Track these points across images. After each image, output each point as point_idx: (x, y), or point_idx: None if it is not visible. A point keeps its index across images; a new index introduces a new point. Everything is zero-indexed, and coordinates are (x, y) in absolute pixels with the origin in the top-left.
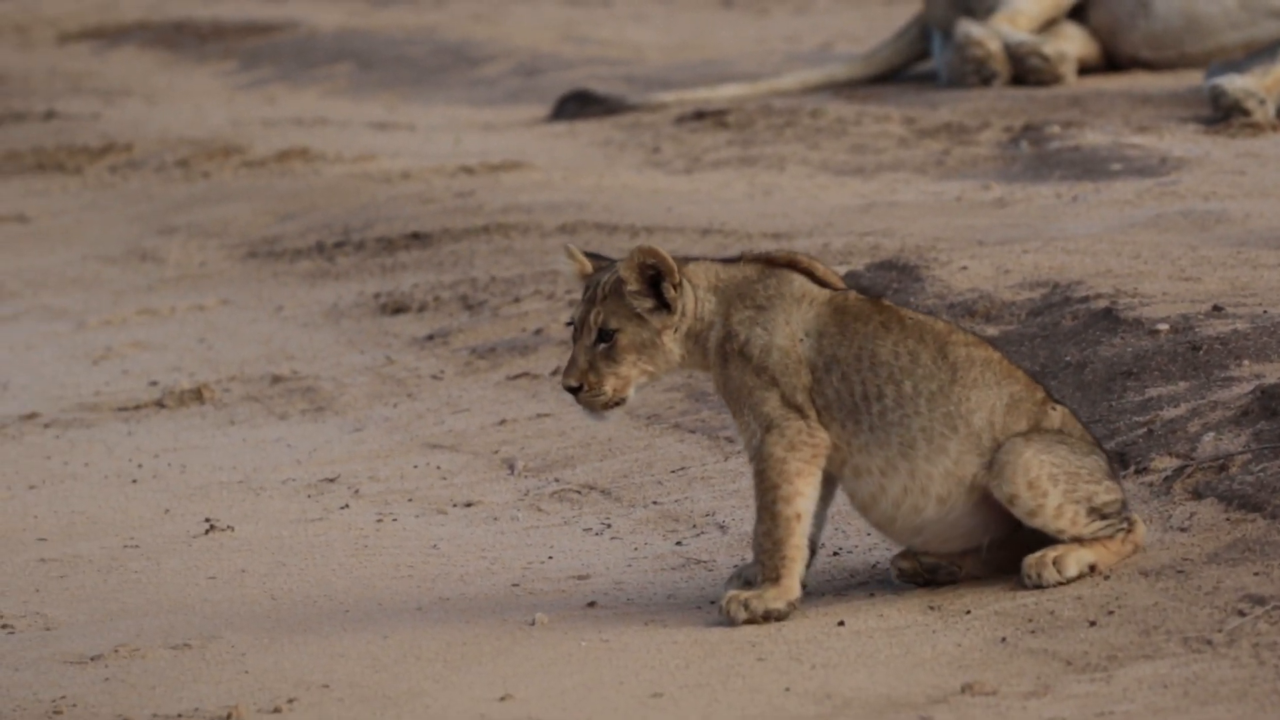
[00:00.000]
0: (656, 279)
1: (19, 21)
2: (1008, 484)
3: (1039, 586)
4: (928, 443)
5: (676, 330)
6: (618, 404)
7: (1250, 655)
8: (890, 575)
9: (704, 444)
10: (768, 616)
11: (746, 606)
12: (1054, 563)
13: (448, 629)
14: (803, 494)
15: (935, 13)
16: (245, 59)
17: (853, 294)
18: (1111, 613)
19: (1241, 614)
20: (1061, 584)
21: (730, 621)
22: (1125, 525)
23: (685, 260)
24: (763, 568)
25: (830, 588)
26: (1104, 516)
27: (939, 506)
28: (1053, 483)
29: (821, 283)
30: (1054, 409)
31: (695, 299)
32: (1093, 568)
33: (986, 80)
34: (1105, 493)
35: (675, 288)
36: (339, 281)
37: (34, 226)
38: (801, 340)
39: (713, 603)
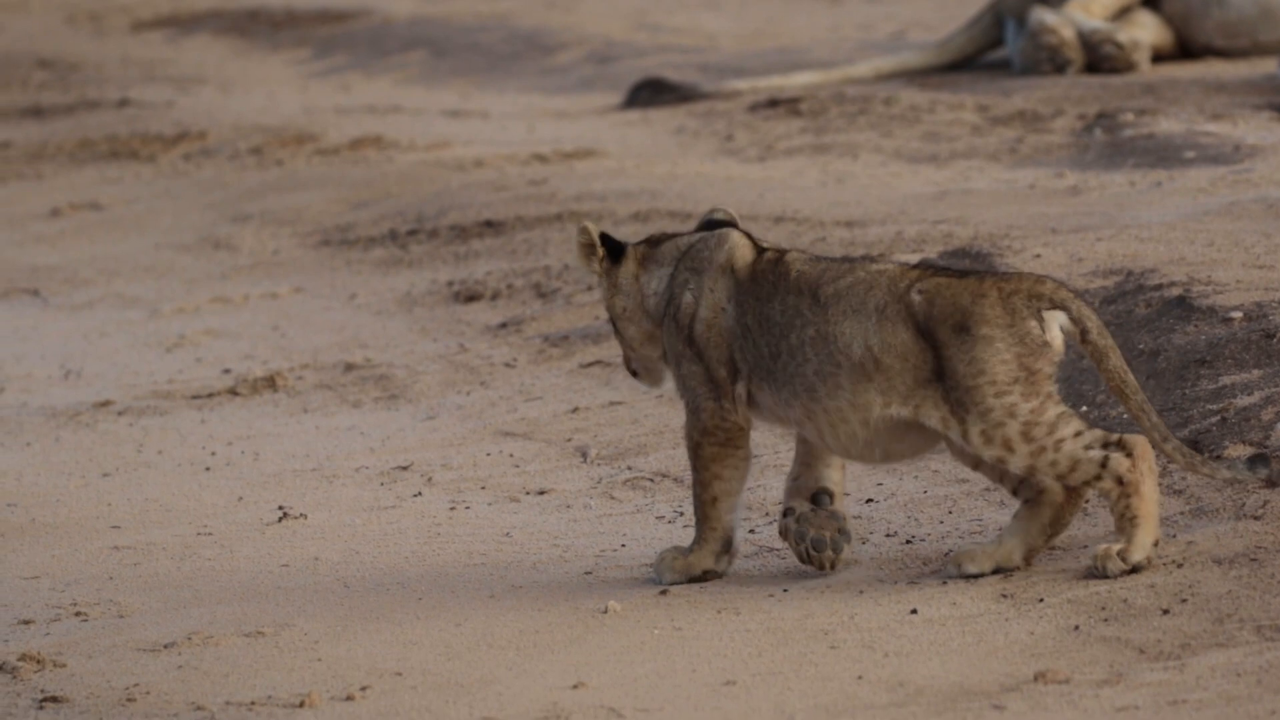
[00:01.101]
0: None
1: (93, 10)
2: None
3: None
4: (823, 383)
5: (617, 304)
6: (636, 375)
7: None
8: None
9: (775, 432)
10: (679, 580)
11: (665, 563)
12: (1119, 555)
13: (520, 617)
14: (720, 478)
15: (1009, 0)
16: (319, 47)
17: (769, 254)
18: (1185, 601)
19: None
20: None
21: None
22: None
23: (661, 238)
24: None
25: (903, 576)
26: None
27: (869, 429)
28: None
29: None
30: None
31: (641, 273)
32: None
33: (1060, 68)
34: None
35: (599, 262)
36: (412, 269)
37: (108, 214)
38: (723, 310)
39: (785, 590)
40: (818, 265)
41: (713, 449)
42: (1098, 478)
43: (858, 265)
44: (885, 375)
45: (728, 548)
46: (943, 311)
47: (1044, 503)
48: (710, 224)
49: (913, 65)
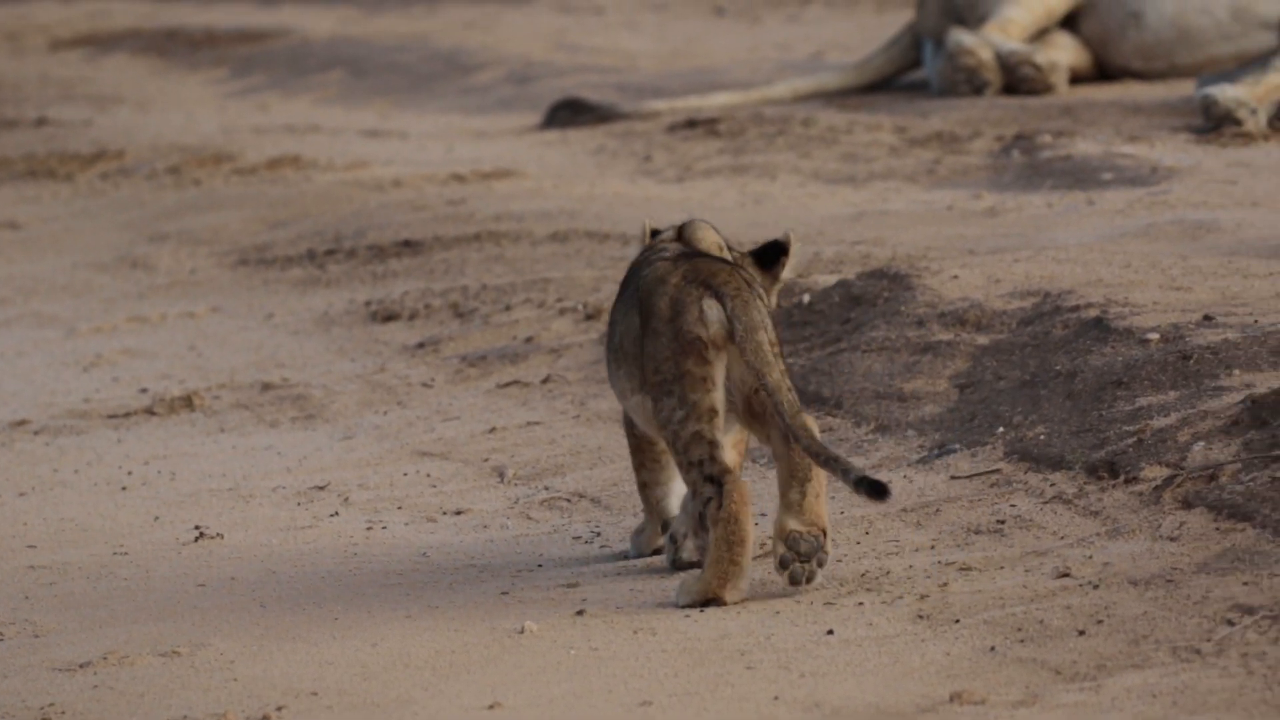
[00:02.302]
0: None
1: (11, 28)
2: None
3: None
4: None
5: None
6: None
7: (1239, 665)
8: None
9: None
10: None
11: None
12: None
13: (437, 637)
14: (642, 467)
15: (927, 22)
16: (237, 66)
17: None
18: (1100, 622)
19: (1230, 623)
20: None
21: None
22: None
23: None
24: None
25: (820, 597)
26: None
27: (641, 415)
28: None
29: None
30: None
31: None
32: None
33: (978, 89)
34: None
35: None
36: (330, 289)
37: (25, 233)
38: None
39: (702, 611)
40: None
41: (632, 440)
42: (705, 502)
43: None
44: (631, 362)
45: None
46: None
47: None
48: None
49: (831, 86)
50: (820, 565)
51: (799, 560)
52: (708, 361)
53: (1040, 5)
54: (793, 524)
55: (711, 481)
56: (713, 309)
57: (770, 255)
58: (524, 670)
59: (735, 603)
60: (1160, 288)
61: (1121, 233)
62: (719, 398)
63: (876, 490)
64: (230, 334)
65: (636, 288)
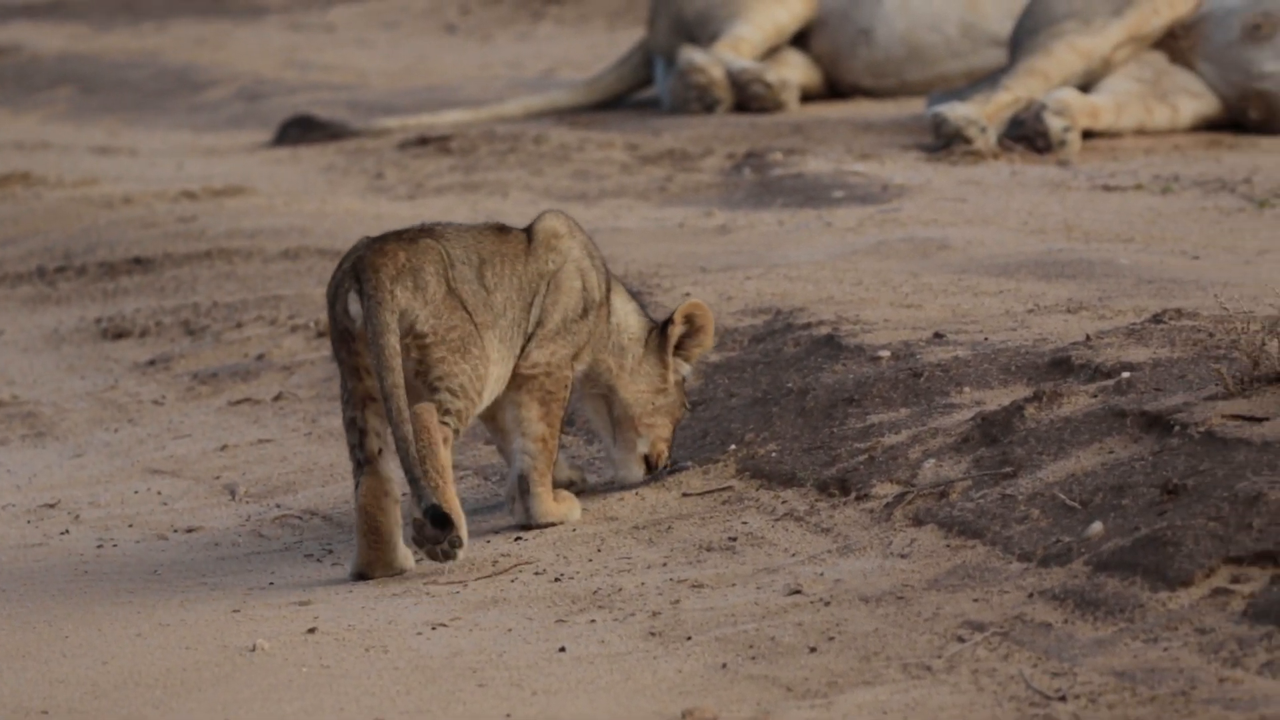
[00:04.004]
0: None
1: None
2: None
3: None
4: None
5: None
6: None
7: (969, 681)
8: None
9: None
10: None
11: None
12: None
13: (168, 655)
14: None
15: (658, 39)
16: None
17: None
18: (832, 639)
19: (961, 640)
20: None
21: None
22: None
23: None
24: None
25: (552, 614)
26: None
27: None
28: None
29: None
30: None
31: None
32: None
33: (709, 107)
34: None
35: None
36: (60, 306)
37: None
38: None
39: (434, 628)
40: None
41: None
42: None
43: None
44: None
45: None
46: None
47: None
48: None
49: (562, 104)
50: (454, 547)
51: (431, 543)
52: (357, 353)
53: (771, 23)
54: (416, 513)
55: (359, 467)
56: (354, 304)
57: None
58: (256, 688)
59: (380, 577)
60: (891, 305)
61: (853, 250)
62: (374, 386)
63: (439, 522)
64: None
65: None
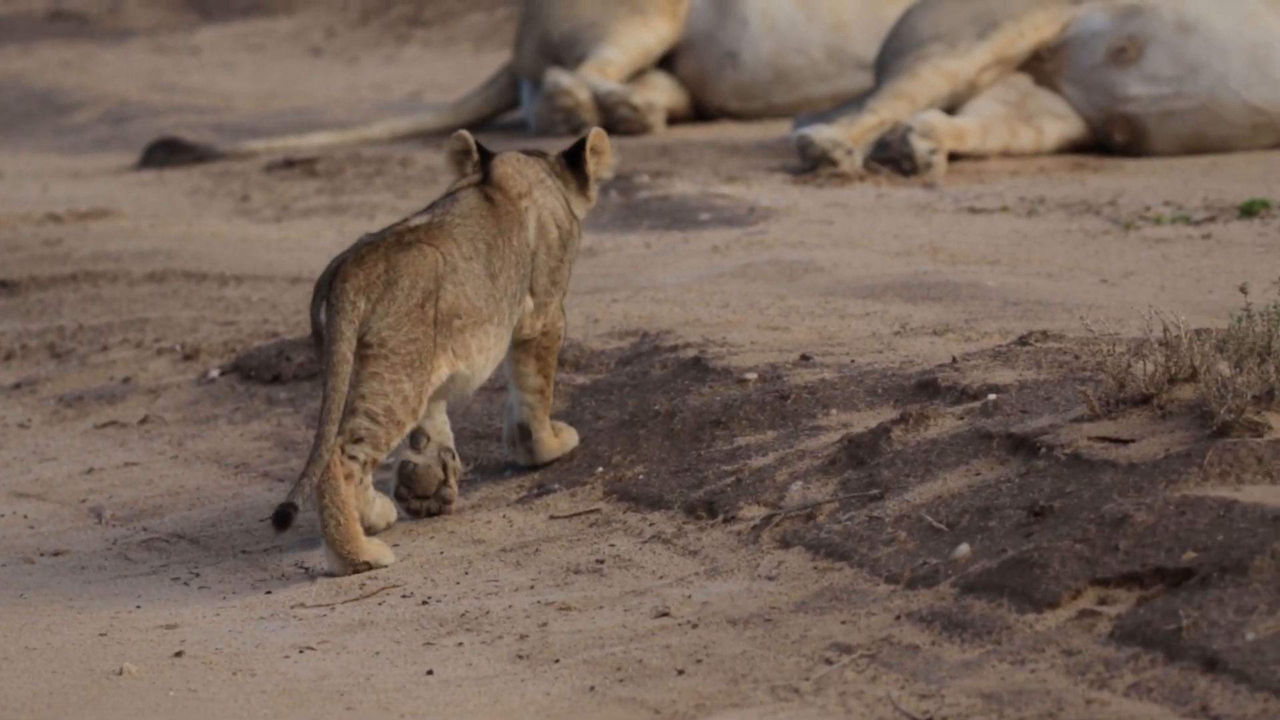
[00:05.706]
0: None
1: None
2: None
3: None
4: None
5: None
6: None
7: (837, 703)
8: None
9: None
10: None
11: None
12: None
13: (34, 679)
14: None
15: (524, 62)
16: None
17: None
18: (700, 661)
19: (829, 662)
20: None
21: None
22: None
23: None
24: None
25: (419, 637)
26: None
27: None
28: None
29: None
30: None
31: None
32: None
33: (575, 129)
34: None
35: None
36: None
37: None
38: None
39: (301, 652)
40: None
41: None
42: None
43: None
44: None
45: None
46: None
47: None
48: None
49: (429, 126)
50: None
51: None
52: None
53: (637, 46)
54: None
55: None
56: (322, 310)
57: (575, 153)
58: (123, 712)
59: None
60: (758, 327)
61: (719, 273)
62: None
63: (278, 520)
64: None
65: None
